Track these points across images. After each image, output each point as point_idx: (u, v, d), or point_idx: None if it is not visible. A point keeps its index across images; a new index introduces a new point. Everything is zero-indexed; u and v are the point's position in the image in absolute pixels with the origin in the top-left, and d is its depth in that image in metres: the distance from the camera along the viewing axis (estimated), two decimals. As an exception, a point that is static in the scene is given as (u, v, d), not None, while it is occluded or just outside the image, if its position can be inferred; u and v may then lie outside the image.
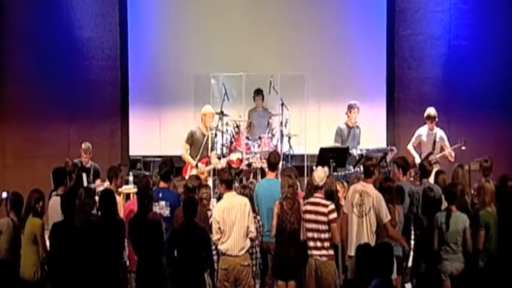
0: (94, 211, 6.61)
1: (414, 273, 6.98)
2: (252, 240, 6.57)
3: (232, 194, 6.59)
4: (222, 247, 6.41)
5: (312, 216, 6.37)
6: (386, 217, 6.42)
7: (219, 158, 9.21)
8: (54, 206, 6.80)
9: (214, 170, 8.96)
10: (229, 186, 6.61)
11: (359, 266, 5.28)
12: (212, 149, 8.93)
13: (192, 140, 8.77)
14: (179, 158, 8.93)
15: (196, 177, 7.19)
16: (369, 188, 6.53)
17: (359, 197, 6.46)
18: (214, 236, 6.42)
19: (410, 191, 7.10)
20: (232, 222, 6.39)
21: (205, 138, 8.80)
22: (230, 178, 6.65)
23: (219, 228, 6.40)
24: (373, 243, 6.19)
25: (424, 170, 7.56)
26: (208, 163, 8.81)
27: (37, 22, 10.81)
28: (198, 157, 8.73)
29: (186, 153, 8.77)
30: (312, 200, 6.48)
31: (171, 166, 7.18)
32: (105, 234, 6.20)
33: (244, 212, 6.44)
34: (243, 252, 6.42)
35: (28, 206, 6.53)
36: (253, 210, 6.74)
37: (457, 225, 6.55)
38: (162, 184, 7.08)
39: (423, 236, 6.81)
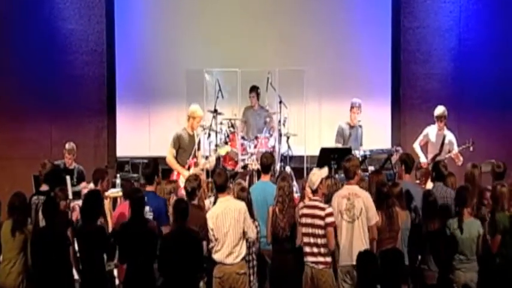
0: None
1: (422, 284, 6.99)
2: (248, 242, 6.50)
3: (226, 199, 6.52)
4: (215, 256, 6.37)
5: (309, 220, 6.37)
6: (375, 218, 6.43)
7: (206, 157, 9.14)
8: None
9: (207, 171, 8.95)
10: (221, 190, 6.57)
11: (361, 275, 5.29)
12: (199, 149, 8.87)
13: (179, 144, 8.68)
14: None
15: (195, 177, 7.03)
16: (356, 189, 6.51)
17: (347, 201, 6.44)
18: (209, 244, 6.40)
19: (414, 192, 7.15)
20: (226, 229, 6.35)
21: (194, 139, 8.73)
22: (221, 182, 6.56)
23: (213, 235, 6.38)
24: (367, 247, 6.23)
25: (438, 173, 7.53)
26: (196, 164, 8.76)
27: (16, 12, 10.70)
28: (189, 161, 8.69)
29: (173, 159, 8.64)
30: (308, 203, 6.49)
31: (154, 167, 7.07)
32: (89, 240, 6.24)
33: (239, 219, 6.37)
34: (238, 260, 6.39)
35: (23, 213, 6.53)
36: (252, 215, 6.66)
37: (470, 232, 6.54)
38: (148, 188, 6.98)
39: (431, 244, 6.81)
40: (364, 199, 6.44)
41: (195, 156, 8.73)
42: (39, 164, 8.57)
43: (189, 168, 8.61)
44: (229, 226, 6.37)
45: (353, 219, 6.41)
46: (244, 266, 6.47)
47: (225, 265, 6.38)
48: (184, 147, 8.72)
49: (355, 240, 6.37)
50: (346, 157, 6.85)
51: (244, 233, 6.42)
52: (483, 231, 6.66)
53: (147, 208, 6.72)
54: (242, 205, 6.49)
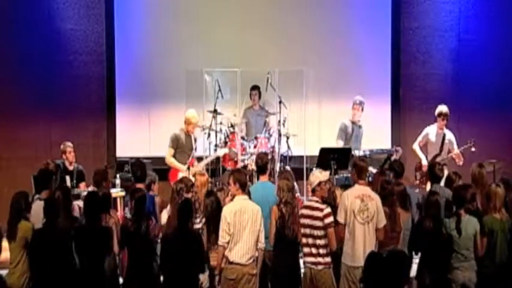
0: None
1: (420, 285, 6.97)
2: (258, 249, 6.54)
3: (244, 198, 6.55)
4: (229, 254, 6.37)
5: (307, 221, 6.39)
6: (383, 221, 6.45)
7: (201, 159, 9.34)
8: (38, 212, 6.73)
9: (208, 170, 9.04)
10: (244, 189, 6.58)
11: (368, 276, 5.26)
12: (195, 150, 9.06)
13: (177, 145, 8.89)
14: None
15: (180, 180, 7.12)
16: (368, 191, 6.52)
17: (360, 202, 6.42)
18: (225, 238, 6.37)
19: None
20: (243, 227, 6.37)
21: (191, 140, 8.93)
22: (246, 180, 6.63)
23: (229, 229, 6.35)
24: (375, 248, 6.25)
25: (433, 175, 7.49)
26: (193, 165, 8.93)
27: (15, 12, 10.60)
28: (189, 160, 8.84)
29: (172, 158, 8.92)
30: (307, 203, 6.53)
31: (144, 167, 7.48)
32: (90, 241, 6.24)
33: (256, 220, 6.40)
34: (251, 260, 6.39)
35: (15, 210, 6.54)
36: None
37: (467, 230, 6.48)
38: (138, 186, 7.27)
39: (428, 244, 6.79)
40: (377, 202, 6.46)
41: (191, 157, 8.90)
42: (41, 164, 8.61)
43: (188, 168, 8.70)
44: (246, 225, 6.38)
45: (367, 221, 6.41)
46: (255, 267, 6.47)
47: (238, 265, 6.35)
48: (182, 148, 8.89)
49: (368, 242, 6.38)
50: (360, 156, 6.85)
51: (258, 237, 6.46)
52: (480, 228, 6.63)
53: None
54: (258, 208, 6.52)
